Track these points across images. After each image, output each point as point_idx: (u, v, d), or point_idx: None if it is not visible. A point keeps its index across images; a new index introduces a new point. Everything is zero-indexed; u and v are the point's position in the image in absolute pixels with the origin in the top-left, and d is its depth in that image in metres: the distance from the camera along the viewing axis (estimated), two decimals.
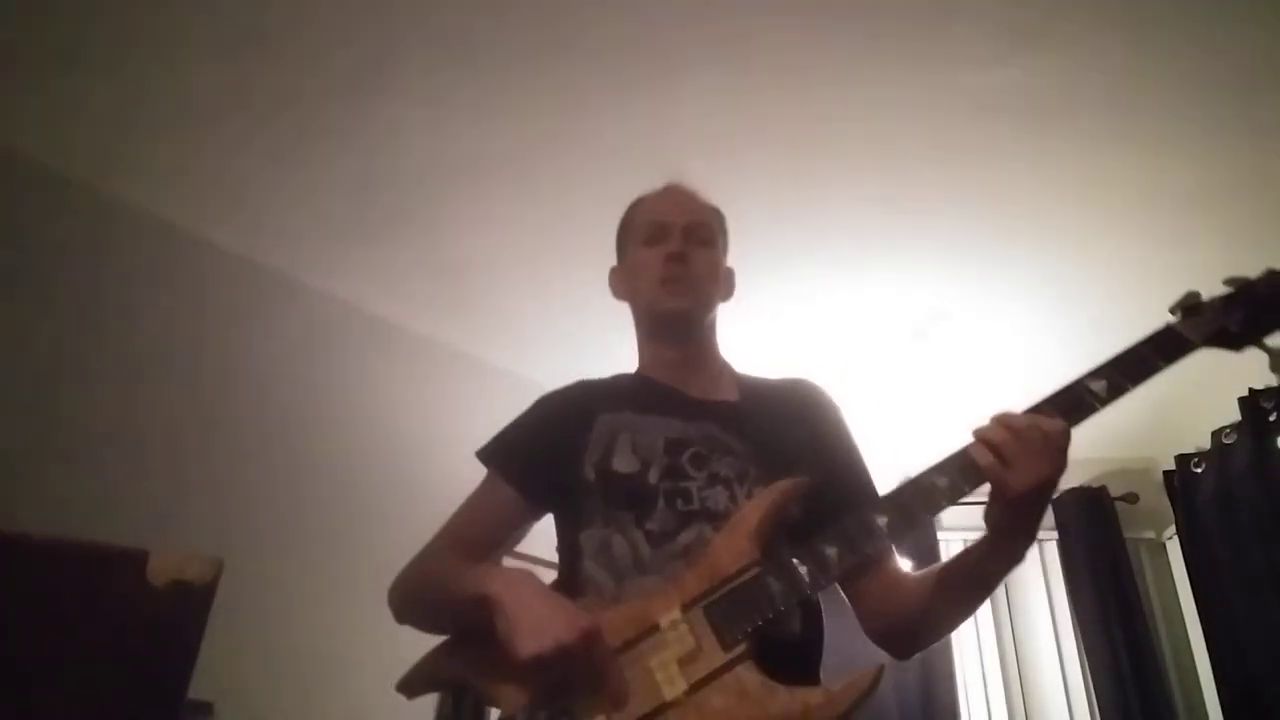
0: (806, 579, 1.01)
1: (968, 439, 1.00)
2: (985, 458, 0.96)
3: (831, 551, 1.02)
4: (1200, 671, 3.50)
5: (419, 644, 1.22)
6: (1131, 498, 3.85)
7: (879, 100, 2.25)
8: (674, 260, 1.27)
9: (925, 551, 3.37)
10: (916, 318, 3.16)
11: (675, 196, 1.37)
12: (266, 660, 2.35)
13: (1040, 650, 3.82)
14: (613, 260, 1.43)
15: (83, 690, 1.08)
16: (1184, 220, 2.59)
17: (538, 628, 0.98)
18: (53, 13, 1.97)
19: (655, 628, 1.02)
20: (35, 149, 2.35)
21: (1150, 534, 3.86)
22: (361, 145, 2.40)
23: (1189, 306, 1.08)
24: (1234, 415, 3.18)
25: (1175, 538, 3.62)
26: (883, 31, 2.05)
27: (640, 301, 1.34)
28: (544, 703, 1.02)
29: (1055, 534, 3.85)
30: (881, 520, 1.03)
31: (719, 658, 0.99)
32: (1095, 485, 3.86)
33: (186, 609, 1.15)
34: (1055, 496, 4.07)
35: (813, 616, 1.14)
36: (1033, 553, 3.75)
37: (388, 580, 1.26)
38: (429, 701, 2.21)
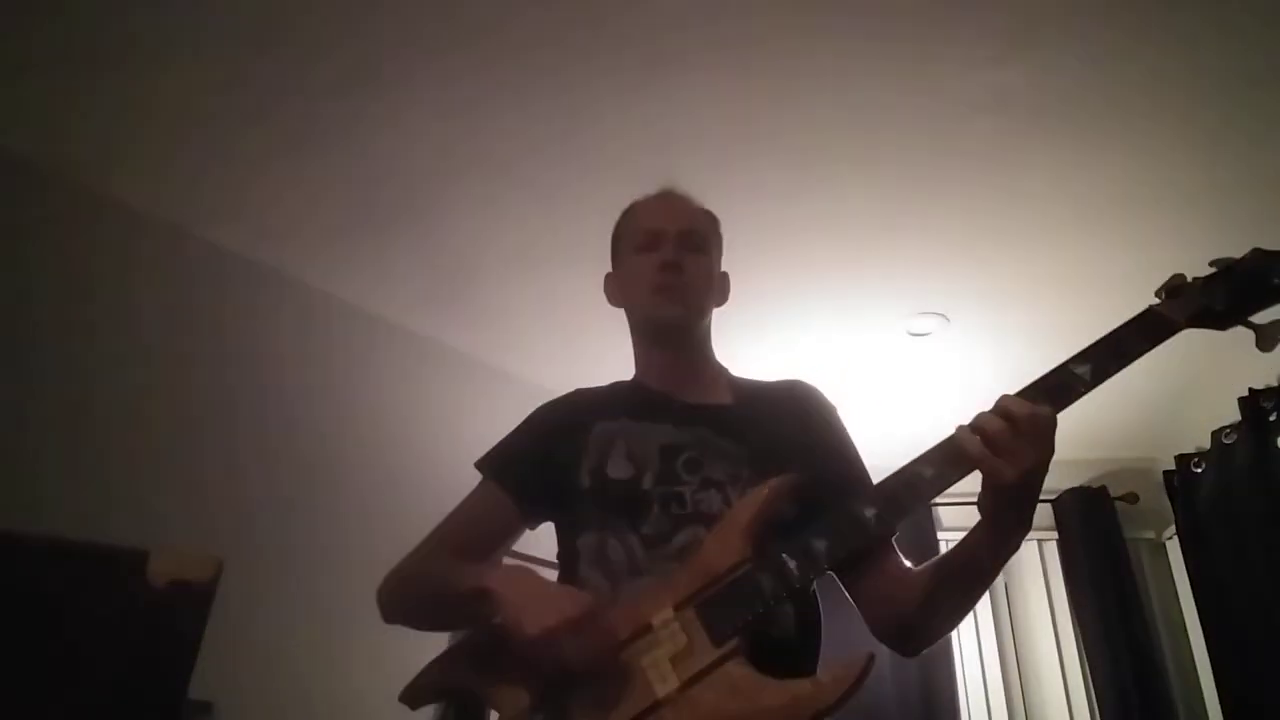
0: (795, 573, 1.02)
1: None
2: (975, 446, 0.96)
3: (820, 545, 1.03)
4: (1200, 671, 3.50)
5: (419, 644, 1.22)
6: (1131, 498, 3.85)
7: (878, 100, 2.26)
8: (668, 268, 1.27)
9: (925, 551, 3.37)
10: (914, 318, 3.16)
11: (669, 203, 1.37)
12: (266, 660, 2.35)
13: (1040, 650, 3.82)
14: None
15: (83, 690, 1.08)
16: (1185, 220, 2.59)
17: (541, 607, 1.00)
18: (52, 13, 1.97)
19: (648, 627, 1.03)
20: (35, 149, 2.35)
21: (1150, 534, 3.87)
22: (361, 144, 2.40)
23: (1172, 288, 1.07)
24: (1234, 415, 3.18)
25: (1175, 538, 3.62)
26: (882, 32, 2.06)
27: (635, 309, 1.35)
28: (542, 705, 1.03)
29: (1055, 534, 3.85)
30: (870, 512, 1.04)
31: (710, 654, 1.00)
32: (1095, 485, 3.86)
33: (186, 609, 1.15)
34: (1055, 497, 4.09)
35: (809, 612, 1.15)
36: (1033, 553, 3.75)
37: None
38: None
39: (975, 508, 1.01)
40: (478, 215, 2.68)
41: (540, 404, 1.38)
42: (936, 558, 1.14)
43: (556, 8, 2.01)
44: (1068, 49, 2.08)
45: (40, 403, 2.23)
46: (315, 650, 2.48)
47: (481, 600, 1.06)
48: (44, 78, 2.14)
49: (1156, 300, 1.08)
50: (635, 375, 1.38)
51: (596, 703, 1.01)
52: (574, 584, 1.16)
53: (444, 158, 2.46)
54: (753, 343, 3.04)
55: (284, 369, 2.80)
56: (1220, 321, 1.06)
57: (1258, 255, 1.05)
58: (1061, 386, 1.01)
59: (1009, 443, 0.94)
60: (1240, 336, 1.06)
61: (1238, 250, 1.07)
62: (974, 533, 1.04)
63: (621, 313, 1.40)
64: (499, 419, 1.37)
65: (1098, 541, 3.73)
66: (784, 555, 1.03)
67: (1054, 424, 0.96)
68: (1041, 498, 1.06)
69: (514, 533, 1.29)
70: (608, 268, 1.43)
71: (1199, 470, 3.41)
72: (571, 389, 1.40)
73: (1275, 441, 3.03)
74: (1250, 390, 3.11)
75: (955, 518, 3.78)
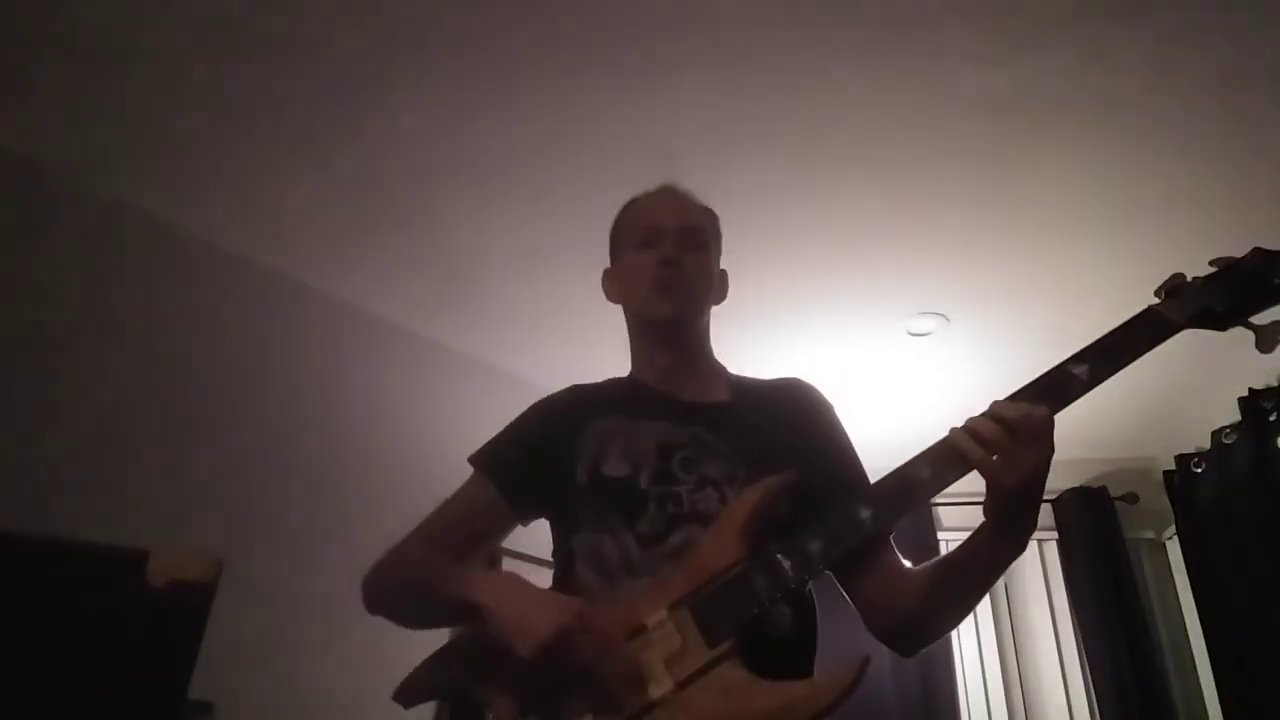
0: (791, 574, 1.02)
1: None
2: (975, 452, 0.96)
3: (815, 546, 1.03)
4: (1200, 671, 3.51)
5: (419, 644, 1.22)
6: (1131, 498, 3.85)
7: (878, 101, 2.25)
8: (666, 266, 1.26)
9: (925, 551, 3.37)
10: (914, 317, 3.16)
11: (668, 199, 1.36)
12: (266, 660, 2.35)
13: (1040, 650, 3.82)
14: None
15: (83, 690, 1.08)
16: (1185, 220, 2.59)
17: (533, 622, 0.99)
18: (52, 12, 1.97)
19: (642, 628, 1.03)
20: (35, 149, 2.35)
21: (1150, 534, 3.87)
22: (362, 145, 2.40)
23: (1172, 288, 1.06)
24: (1234, 415, 3.18)
25: (1175, 538, 3.63)
26: (883, 32, 2.05)
27: (632, 306, 1.34)
28: (535, 706, 1.03)
29: (1055, 534, 3.85)
30: (866, 513, 1.03)
31: (704, 655, 0.99)
32: (1095, 485, 3.86)
33: (186, 609, 1.15)
34: (1055, 497, 4.08)
35: (805, 613, 1.14)
36: (1033, 553, 3.75)
37: None
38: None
39: (975, 508, 1.01)
40: (478, 216, 2.68)
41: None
42: (938, 557, 1.13)
43: (557, 8, 2.01)
44: (1068, 50, 2.08)
45: (40, 403, 2.23)
46: (315, 650, 2.48)
47: (470, 611, 1.06)
48: (44, 78, 2.14)
49: (1156, 300, 1.07)
50: (632, 372, 1.37)
51: (590, 705, 1.00)
52: (569, 584, 1.15)
53: (445, 159, 2.45)
54: (753, 343, 3.04)
55: (284, 370, 2.80)
56: (1220, 322, 1.05)
57: (1258, 255, 1.04)
58: (1058, 387, 1.01)
59: (1006, 447, 0.94)
60: (1240, 337, 1.05)
61: (1237, 250, 1.06)
62: (978, 534, 1.03)
63: (622, 312, 1.39)
64: (500, 419, 1.37)
65: (1098, 541, 3.73)
66: (779, 556, 1.03)
67: (1051, 424, 0.96)
68: None
69: (505, 529, 1.28)
70: (608, 268, 1.42)
71: (1199, 470, 3.41)
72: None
73: (1275, 441, 3.03)
74: (1250, 390, 3.11)
75: (955, 518, 3.78)
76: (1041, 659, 3.80)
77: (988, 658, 3.82)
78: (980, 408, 0.99)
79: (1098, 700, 3.55)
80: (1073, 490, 3.84)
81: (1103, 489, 3.85)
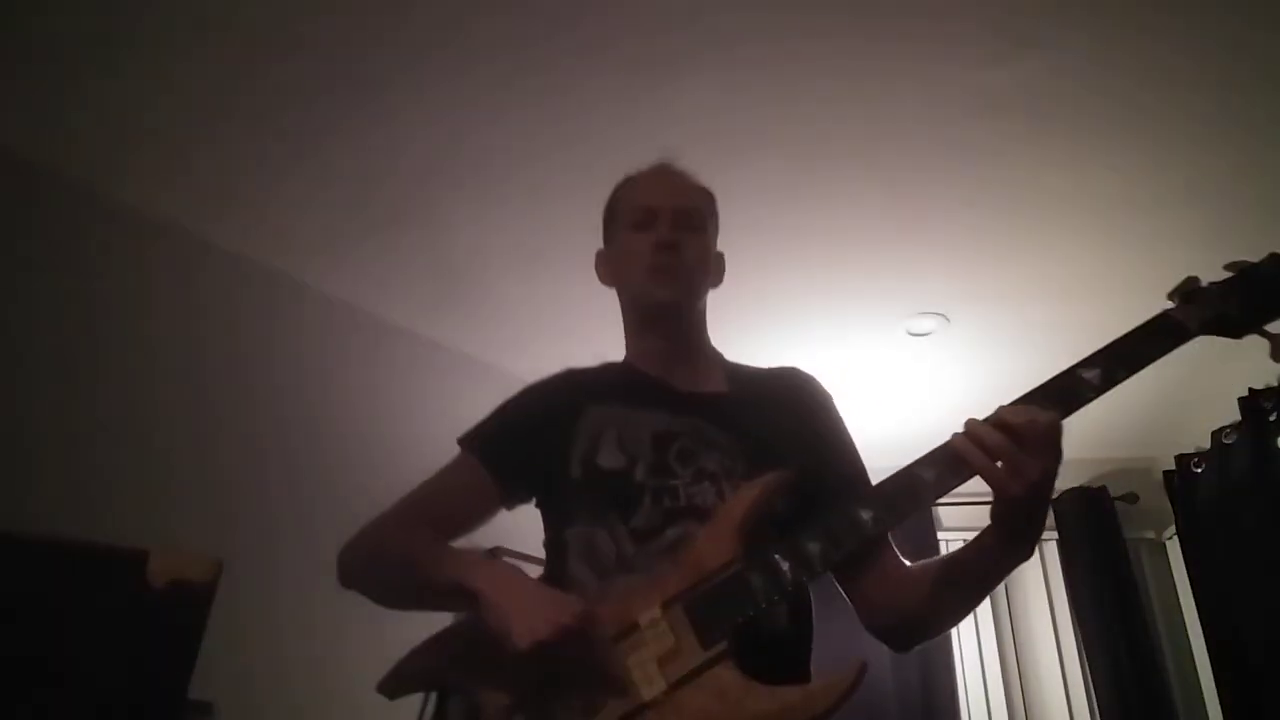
0: (788, 575, 0.99)
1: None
2: (980, 459, 0.93)
3: (815, 547, 1.00)
4: (1200, 671, 3.50)
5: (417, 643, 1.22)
6: (1131, 498, 3.85)
7: (879, 100, 2.25)
8: (664, 248, 1.22)
9: (925, 551, 3.36)
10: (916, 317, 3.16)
11: (665, 178, 1.32)
12: (266, 660, 2.35)
13: (1040, 650, 3.82)
14: None
15: (83, 690, 1.08)
16: (1187, 220, 2.59)
17: (532, 616, 0.96)
18: (52, 12, 1.97)
19: (635, 626, 1.00)
20: (35, 149, 2.35)
21: (1150, 534, 3.87)
22: (361, 145, 2.39)
23: (1187, 293, 1.03)
24: (1234, 415, 3.18)
25: (1175, 538, 3.63)
26: (883, 31, 2.05)
27: (628, 290, 1.30)
28: (524, 703, 1.01)
29: (1055, 534, 3.85)
30: (867, 515, 1.01)
31: (698, 656, 0.97)
32: (1095, 485, 3.86)
33: (186, 609, 1.15)
34: (1055, 497, 4.08)
35: (801, 613, 1.12)
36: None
37: None
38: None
39: (976, 508, 1.00)
40: (478, 216, 2.68)
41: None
42: (941, 556, 1.12)
43: (557, 8, 2.01)
44: (1069, 48, 2.08)
45: (40, 403, 2.23)
46: (315, 650, 2.48)
47: (461, 596, 1.03)
48: (44, 78, 2.14)
49: (1170, 304, 1.04)
50: (627, 357, 1.33)
51: (581, 704, 0.98)
52: (562, 578, 1.13)
53: (445, 159, 2.45)
54: (753, 343, 3.02)
55: (284, 370, 2.79)
56: (1235, 330, 1.02)
57: (1275, 261, 1.01)
58: (1068, 391, 0.98)
59: (1012, 455, 0.92)
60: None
61: (1238, 250, 1.05)
62: (984, 537, 1.01)
63: (617, 299, 1.36)
64: None
65: (1098, 541, 3.73)
66: (777, 557, 1.00)
67: (1059, 430, 0.93)
68: None
69: (491, 512, 1.24)
70: (601, 249, 1.38)
71: (1199, 470, 3.41)
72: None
73: (1275, 441, 3.03)
74: (1250, 390, 3.11)
75: (956, 518, 3.78)
76: (1041, 658, 3.80)
77: (988, 657, 3.82)
78: (980, 408, 0.97)
79: (1098, 700, 3.55)
80: (1073, 490, 3.84)
81: (1103, 489, 3.85)
